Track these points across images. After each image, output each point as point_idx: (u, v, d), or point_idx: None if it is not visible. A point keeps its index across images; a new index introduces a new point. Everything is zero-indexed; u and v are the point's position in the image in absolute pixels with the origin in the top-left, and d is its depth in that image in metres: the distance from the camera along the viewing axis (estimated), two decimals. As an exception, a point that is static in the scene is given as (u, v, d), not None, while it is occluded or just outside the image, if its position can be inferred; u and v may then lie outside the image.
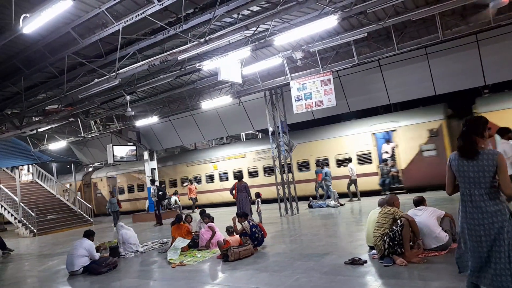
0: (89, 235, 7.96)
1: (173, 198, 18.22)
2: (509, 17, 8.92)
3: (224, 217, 12.31)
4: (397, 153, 14.65)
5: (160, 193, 15.70)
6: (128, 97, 12.85)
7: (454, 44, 11.37)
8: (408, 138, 14.20)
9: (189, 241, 8.52)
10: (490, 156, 3.12)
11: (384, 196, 7.16)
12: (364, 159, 15.21)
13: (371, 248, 6.10)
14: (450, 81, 12.61)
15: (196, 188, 19.34)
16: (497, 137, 6.76)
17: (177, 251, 7.97)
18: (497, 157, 3.07)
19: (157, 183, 17.03)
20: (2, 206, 18.21)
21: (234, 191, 11.67)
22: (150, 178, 18.46)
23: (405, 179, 14.29)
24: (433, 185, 13.34)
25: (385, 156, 15.23)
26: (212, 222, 8.77)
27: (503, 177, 3.08)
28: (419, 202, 6.29)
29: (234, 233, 7.73)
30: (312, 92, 11.36)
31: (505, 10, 8.86)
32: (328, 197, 13.90)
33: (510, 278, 2.99)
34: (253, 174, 18.57)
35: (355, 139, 15.49)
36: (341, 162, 15.61)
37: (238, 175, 12.21)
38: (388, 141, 15.52)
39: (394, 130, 14.68)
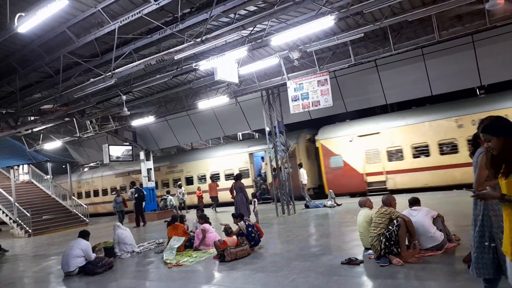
0: (84, 235, 7.91)
1: (169, 198, 18.17)
2: (505, 18, 8.98)
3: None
4: (267, 170, 17.63)
5: (136, 195, 15.66)
6: (124, 97, 12.81)
7: (451, 44, 11.41)
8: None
9: (184, 239, 8.47)
10: (477, 154, 3.14)
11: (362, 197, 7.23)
12: (244, 174, 17.66)
13: (367, 249, 6.12)
14: (446, 82, 12.67)
15: (218, 186, 17.65)
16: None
17: (173, 251, 7.94)
18: (479, 155, 3.06)
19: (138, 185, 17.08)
20: (-4, 206, 18.08)
21: (232, 192, 11.62)
22: (131, 181, 18.39)
23: (272, 191, 16.76)
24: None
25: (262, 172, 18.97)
26: (208, 223, 8.75)
27: (476, 173, 3.07)
28: (414, 202, 6.31)
29: (232, 234, 7.72)
30: (309, 92, 11.36)
31: (501, 12, 8.90)
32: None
33: None
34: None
35: (237, 157, 19.01)
36: (228, 176, 18.94)
37: (236, 175, 12.08)
38: (263, 159, 19.13)
39: (265, 150, 17.35)
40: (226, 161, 19.55)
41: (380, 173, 14.78)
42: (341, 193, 15.24)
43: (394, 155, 14.63)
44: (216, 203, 17.43)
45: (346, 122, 16.79)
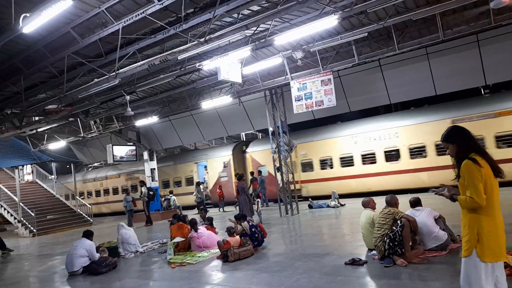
0: (88, 235, 7.94)
1: (172, 198, 18.20)
2: (510, 17, 8.91)
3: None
4: (208, 178, 20.99)
5: (151, 193, 15.95)
6: (128, 97, 12.84)
7: (455, 44, 11.36)
8: (213, 167, 20.36)
9: (184, 239, 8.43)
10: None
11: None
12: (190, 181, 21.13)
13: (370, 250, 6.10)
14: (450, 81, 12.61)
15: None
16: None
17: (171, 250, 7.92)
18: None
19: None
20: (1, 206, 18.19)
21: (236, 192, 11.63)
22: (139, 180, 18.46)
23: (212, 196, 20.09)
24: (227, 201, 18.09)
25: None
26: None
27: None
28: (416, 203, 6.27)
29: (235, 234, 7.71)
30: (313, 92, 11.34)
31: (506, 10, 8.84)
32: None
33: None
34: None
35: (184, 166, 21.78)
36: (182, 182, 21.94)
37: (239, 175, 12.06)
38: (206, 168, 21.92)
39: (206, 161, 20.94)
40: (176, 169, 22.22)
41: (297, 182, 15.78)
42: (270, 198, 17.24)
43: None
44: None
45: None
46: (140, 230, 13.82)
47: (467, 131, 2.93)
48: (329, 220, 11.00)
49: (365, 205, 6.43)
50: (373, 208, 6.36)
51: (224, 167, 19.48)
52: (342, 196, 14.60)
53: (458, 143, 2.89)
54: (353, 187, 15.63)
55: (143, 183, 17.00)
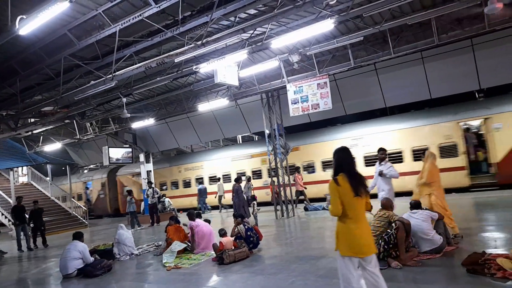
0: (79, 236, 7.91)
1: (167, 200, 18.14)
2: (504, 22, 9.00)
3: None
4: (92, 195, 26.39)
5: (157, 195, 16.02)
6: (124, 99, 12.84)
7: (450, 48, 11.44)
8: (95, 186, 25.78)
9: (185, 245, 8.45)
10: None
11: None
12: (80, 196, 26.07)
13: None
14: (445, 85, 12.70)
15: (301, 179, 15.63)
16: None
17: (173, 254, 7.92)
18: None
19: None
20: (-4, 208, 18.05)
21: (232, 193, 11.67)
22: (147, 180, 18.40)
23: (95, 209, 25.75)
24: (107, 213, 24.87)
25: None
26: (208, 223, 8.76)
27: None
28: (415, 206, 6.31)
29: (226, 234, 7.72)
30: (309, 95, 11.40)
31: (500, 15, 8.94)
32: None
33: None
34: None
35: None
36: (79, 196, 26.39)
37: (236, 177, 12.08)
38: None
39: (91, 181, 26.40)
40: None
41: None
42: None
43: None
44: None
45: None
46: (139, 232, 13.75)
47: (344, 153, 3.63)
48: (325, 222, 11.02)
49: None
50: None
51: (102, 186, 25.06)
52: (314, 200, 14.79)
53: (335, 162, 3.65)
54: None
55: (150, 183, 16.96)
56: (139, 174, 20.95)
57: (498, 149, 12.67)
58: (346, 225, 3.51)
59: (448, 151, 13.49)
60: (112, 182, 24.66)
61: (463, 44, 11.34)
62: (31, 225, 13.20)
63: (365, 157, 14.96)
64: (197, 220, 8.45)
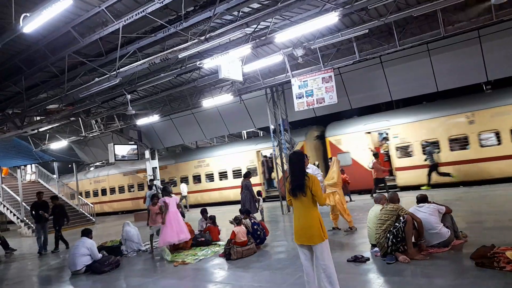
0: (88, 233, 7.95)
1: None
2: (511, 12, 8.85)
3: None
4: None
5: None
6: (128, 96, 12.84)
7: (456, 40, 11.31)
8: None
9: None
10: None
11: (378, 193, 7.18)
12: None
13: (374, 245, 6.08)
14: (452, 78, 12.57)
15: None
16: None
17: (166, 252, 7.89)
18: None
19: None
20: (4, 205, 18.24)
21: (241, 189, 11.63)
22: (151, 178, 18.44)
23: None
24: None
25: None
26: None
27: None
28: (422, 200, 6.25)
29: (241, 223, 7.61)
30: (314, 89, 11.32)
31: (508, 6, 8.79)
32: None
33: None
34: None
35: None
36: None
37: (245, 173, 12.03)
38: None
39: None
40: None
41: None
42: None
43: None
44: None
45: None
46: (145, 228, 13.77)
47: (295, 159, 4.21)
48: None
49: (377, 201, 6.35)
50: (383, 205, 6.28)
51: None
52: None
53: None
54: None
55: (151, 187, 16.91)
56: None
57: None
58: (294, 219, 4.41)
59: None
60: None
61: (470, 35, 11.20)
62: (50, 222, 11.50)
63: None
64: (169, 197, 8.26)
